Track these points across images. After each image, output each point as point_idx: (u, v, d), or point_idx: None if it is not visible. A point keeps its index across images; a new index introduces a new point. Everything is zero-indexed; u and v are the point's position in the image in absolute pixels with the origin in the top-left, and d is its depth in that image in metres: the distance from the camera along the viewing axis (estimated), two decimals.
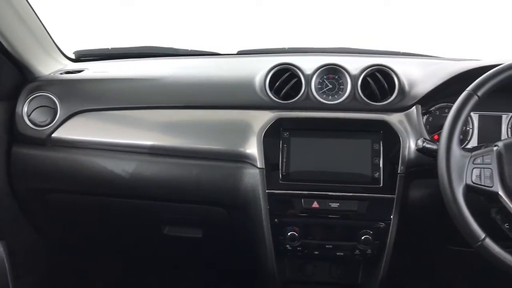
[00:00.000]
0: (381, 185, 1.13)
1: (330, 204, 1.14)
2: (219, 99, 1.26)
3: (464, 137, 1.24)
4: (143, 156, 1.24)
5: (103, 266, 1.83)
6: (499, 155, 0.97)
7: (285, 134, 1.16)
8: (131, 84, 1.31)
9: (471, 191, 0.96)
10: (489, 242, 0.93)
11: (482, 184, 0.96)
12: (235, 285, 1.79)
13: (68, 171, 1.28)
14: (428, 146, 1.07)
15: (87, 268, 1.78)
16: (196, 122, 1.24)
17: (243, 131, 1.19)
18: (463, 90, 1.01)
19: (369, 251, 1.16)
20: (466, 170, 0.96)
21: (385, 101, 1.19)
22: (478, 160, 0.97)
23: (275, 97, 1.21)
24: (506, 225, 0.97)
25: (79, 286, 1.76)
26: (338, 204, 1.14)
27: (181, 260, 1.74)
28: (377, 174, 1.13)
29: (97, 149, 1.26)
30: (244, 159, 1.18)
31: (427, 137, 1.16)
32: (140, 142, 1.24)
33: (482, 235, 0.94)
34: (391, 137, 1.14)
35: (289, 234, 1.15)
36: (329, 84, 1.23)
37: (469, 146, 1.25)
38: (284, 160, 1.15)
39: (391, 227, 1.14)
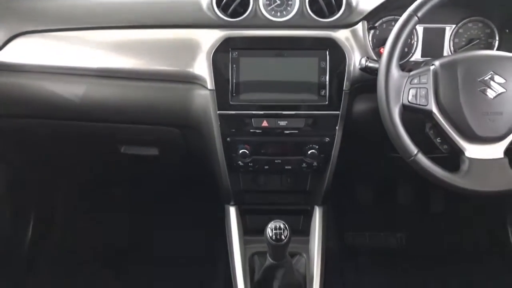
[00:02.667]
0: (327, 102, 1.18)
1: (278, 122, 1.18)
2: (165, 18, 1.23)
3: (409, 50, 1.28)
4: (91, 79, 1.23)
5: (64, 185, 1.89)
6: (435, 75, 1.02)
7: (234, 54, 1.16)
8: (71, 3, 1.26)
9: (407, 110, 1.02)
10: (420, 156, 1.02)
11: (418, 103, 1.02)
12: (193, 195, 1.90)
13: (17, 96, 1.27)
14: (371, 65, 1.11)
15: (49, 189, 1.84)
16: (143, 43, 1.22)
17: (191, 51, 1.19)
18: (410, 4, 1.03)
19: (315, 164, 1.24)
20: (403, 90, 1.01)
21: (332, 17, 1.20)
22: (415, 80, 1.02)
23: (222, 14, 1.19)
24: (438, 140, 1.06)
25: (40, 205, 1.83)
26: (286, 122, 1.18)
27: (139, 176, 1.81)
28: (323, 91, 1.17)
29: (44, 72, 1.24)
30: (194, 80, 1.19)
31: (372, 54, 1.19)
32: (87, 65, 1.22)
33: (414, 150, 1.02)
34: (337, 54, 1.16)
35: (240, 151, 1.21)
36: (277, 0, 1.21)
37: (413, 59, 1.29)
38: (234, 80, 1.16)
39: (335, 141, 1.21)
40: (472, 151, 1.02)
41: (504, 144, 1.02)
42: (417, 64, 1.16)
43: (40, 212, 1.85)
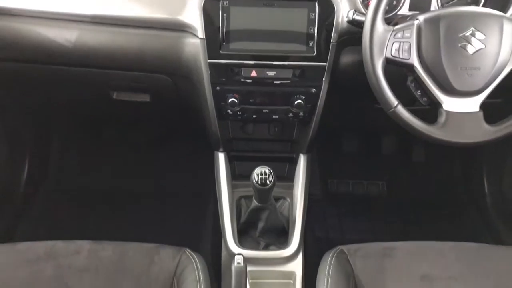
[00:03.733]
0: (315, 53, 1.21)
1: (267, 72, 1.22)
2: None
3: (397, 3, 1.30)
4: (84, 25, 1.25)
5: (58, 128, 1.93)
6: (418, 29, 1.05)
7: (225, 3, 1.18)
8: None
9: (390, 63, 1.06)
10: (400, 108, 1.07)
11: (400, 57, 1.05)
12: (184, 141, 1.95)
13: (9, 40, 1.28)
14: (357, 18, 1.14)
15: (44, 131, 1.88)
16: None
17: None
18: None
19: (301, 114, 1.29)
20: (387, 44, 1.05)
21: None
22: (399, 35, 1.05)
23: None
24: (418, 92, 1.11)
25: (36, 147, 1.88)
26: (274, 72, 1.22)
27: (132, 121, 1.85)
28: (311, 43, 1.20)
29: (37, 17, 1.25)
30: (185, 29, 1.21)
31: (360, 7, 1.21)
32: (79, 11, 1.23)
33: (395, 102, 1.07)
34: (326, 6, 1.18)
35: (229, 100, 1.24)
36: None
37: (400, 12, 1.31)
38: (224, 29, 1.18)
39: (321, 92, 1.25)
40: (450, 104, 1.07)
41: (480, 98, 1.07)
42: (404, 18, 1.18)
43: (36, 154, 1.90)
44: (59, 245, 1.10)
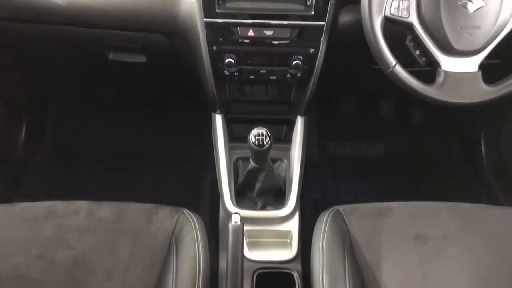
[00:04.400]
0: (313, 13, 1.18)
1: (264, 32, 1.20)
2: None
3: None
4: None
5: (54, 88, 1.91)
6: None
7: None
8: None
9: (389, 22, 1.05)
10: (398, 68, 1.06)
11: (399, 15, 1.04)
12: (182, 103, 1.94)
13: None
14: None
15: (40, 92, 1.86)
16: None
17: None
18: None
19: (299, 74, 1.28)
20: (386, 2, 1.03)
21: None
22: None
23: None
24: (417, 52, 1.09)
25: (32, 108, 1.87)
26: (272, 32, 1.20)
27: (129, 82, 1.84)
28: (310, 1, 1.17)
29: None
30: None
31: None
32: None
33: (393, 62, 1.05)
34: None
35: (226, 61, 1.23)
36: None
37: None
38: None
39: (319, 52, 1.24)
40: (448, 64, 1.06)
41: (479, 58, 1.06)
42: None
43: (33, 116, 1.90)
44: (58, 205, 1.11)
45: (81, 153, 1.91)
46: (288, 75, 1.28)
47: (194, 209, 1.15)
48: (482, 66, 1.07)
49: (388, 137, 2.02)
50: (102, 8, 1.24)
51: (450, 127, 2.03)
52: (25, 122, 1.86)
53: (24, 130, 1.85)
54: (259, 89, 1.42)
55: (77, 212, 1.09)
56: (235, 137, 1.45)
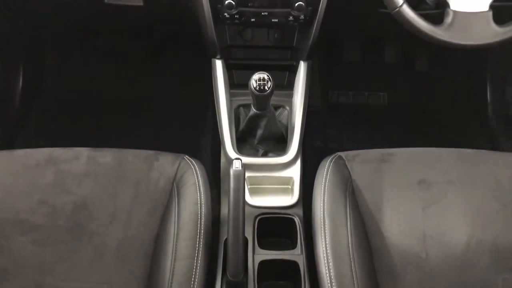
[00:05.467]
0: None
1: None
2: None
3: None
4: None
5: (50, 37, 1.87)
6: None
7: None
8: None
9: None
10: (405, 8, 1.02)
11: None
12: (181, 48, 1.90)
13: None
14: None
15: (36, 40, 1.82)
16: None
17: None
18: None
19: (302, 17, 1.23)
20: None
21: None
22: None
23: None
24: None
25: (29, 57, 1.84)
26: None
27: (126, 30, 1.78)
28: None
29: None
30: None
31: None
32: None
33: (400, 1, 1.01)
34: None
35: (226, 2, 1.18)
36: None
37: None
38: None
39: None
40: (457, 3, 1.01)
41: None
42: None
43: (30, 64, 1.86)
44: (58, 151, 1.10)
45: (80, 103, 1.88)
46: (291, 18, 1.24)
47: (195, 156, 1.14)
48: (493, 7, 1.03)
49: (392, 85, 1.98)
50: None
51: (455, 75, 1.99)
52: (22, 70, 1.83)
53: (21, 80, 1.82)
54: (261, 33, 1.38)
55: (77, 158, 1.09)
56: (236, 84, 1.42)
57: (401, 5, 1.01)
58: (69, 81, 1.96)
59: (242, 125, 1.32)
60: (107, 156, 1.10)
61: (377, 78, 1.99)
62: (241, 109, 1.36)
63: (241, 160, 0.93)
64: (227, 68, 1.40)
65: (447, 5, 1.02)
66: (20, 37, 1.80)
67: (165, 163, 1.09)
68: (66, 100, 1.90)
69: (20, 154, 1.11)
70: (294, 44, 1.39)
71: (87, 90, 1.92)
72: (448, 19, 1.02)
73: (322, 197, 1.03)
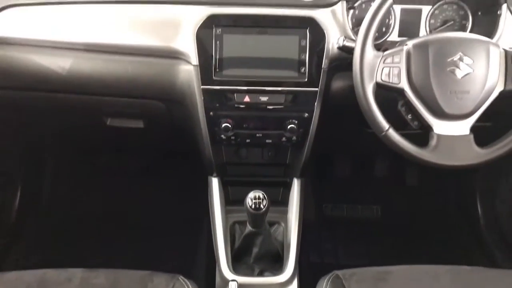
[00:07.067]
0: (306, 79, 1.22)
1: (260, 97, 1.23)
2: None
3: (386, 30, 1.33)
4: (78, 52, 1.26)
5: (51, 155, 1.92)
6: (408, 54, 1.08)
7: (218, 31, 1.20)
8: None
9: (380, 88, 1.08)
10: (391, 132, 1.08)
11: (390, 81, 1.07)
12: (178, 167, 1.95)
13: (5, 69, 1.29)
14: (348, 44, 1.16)
15: (36, 158, 1.87)
16: (129, 18, 1.24)
17: (176, 27, 1.22)
18: None
19: (294, 138, 1.30)
20: (377, 69, 1.07)
21: None
22: (389, 60, 1.07)
23: None
24: (409, 116, 1.12)
25: (28, 174, 1.87)
26: (267, 97, 1.23)
27: (126, 148, 1.85)
28: (303, 69, 1.22)
29: (33, 45, 1.26)
30: (178, 56, 1.23)
31: (350, 33, 1.23)
32: (73, 39, 1.25)
33: (386, 126, 1.08)
34: (317, 33, 1.21)
35: (223, 125, 1.25)
36: None
37: (390, 38, 1.34)
38: (217, 57, 1.20)
39: (314, 117, 1.27)
40: (440, 127, 1.08)
41: (470, 121, 1.09)
42: (393, 44, 1.21)
43: (28, 181, 1.89)
44: (50, 273, 1.08)
45: (76, 219, 1.88)
46: (284, 138, 1.30)
47: (189, 274, 1.13)
48: (473, 129, 1.10)
49: (384, 198, 2.02)
50: (102, 77, 1.28)
51: (445, 188, 2.04)
52: (19, 187, 1.85)
53: (18, 196, 1.84)
54: (255, 152, 1.43)
55: (70, 280, 1.06)
56: (232, 200, 1.44)
57: (387, 130, 1.08)
58: (65, 197, 1.98)
59: (237, 243, 1.32)
60: (100, 277, 1.08)
61: (370, 192, 2.04)
62: (237, 226, 1.37)
63: (237, 282, 0.92)
64: (223, 185, 1.44)
65: (430, 128, 1.09)
66: (21, 151, 1.85)
67: (159, 285, 1.07)
68: (61, 217, 1.90)
69: (11, 277, 1.09)
70: (287, 162, 1.44)
71: (83, 205, 1.94)
72: (433, 142, 1.08)
73: None
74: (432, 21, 1.33)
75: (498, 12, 1.24)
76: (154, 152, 2.01)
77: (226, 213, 1.39)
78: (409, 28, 1.33)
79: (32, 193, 1.91)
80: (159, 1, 1.25)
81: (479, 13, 1.31)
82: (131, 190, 1.99)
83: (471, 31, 1.32)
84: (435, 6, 1.32)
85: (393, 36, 1.34)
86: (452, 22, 1.32)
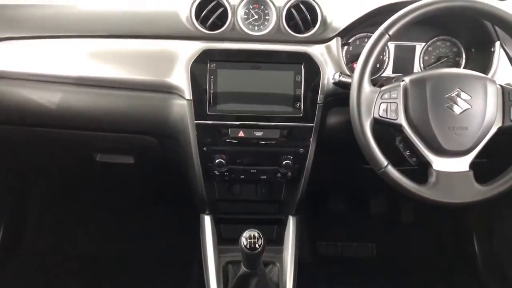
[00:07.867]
0: (302, 114, 1.21)
1: (254, 133, 1.21)
2: (144, 28, 1.24)
3: (381, 66, 1.33)
4: (69, 86, 1.24)
5: (37, 191, 1.86)
6: (405, 90, 1.07)
7: (212, 66, 1.18)
8: (53, 11, 1.27)
9: (378, 123, 1.06)
10: (390, 168, 1.06)
11: (388, 117, 1.06)
12: (168, 203, 1.90)
13: None
14: (344, 79, 1.15)
15: (22, 194, 1.81)
16: (122, 52, 1.23)
17: (170, 62, 1.21)
18: (381, 22, 1.07)
19: (289, 174, 1.27)
20: (374, 104, 1.05)
21: (308, 32, 1.23)
22: (386, 95, 1.06)
23: (201, 27, 1.22)
24: (407, 152, 1.10)
25: (12, 211, 1.81)
26: (262, 133, 1.21)
27: (115, 184, 1.80)
28: (298, 104, 1.20)
29: (22, 79, 1.24)
30: (172, 90, 1.21)
31: (345, 69, 1.23)
32: (65, 73, 1.22)
33: (384, 162, 1.05)
34: (312, 69, 1.20)
35: (216, 161, 1.22)
36: (255, 15, 1.24)
37: (384, 74, 1.34)
38: (211, 91, 1.18)
39: (309, 152, 1.25)
40: (439, 164, 1.06)
41: (469, 157, 1.07)
42: (388, 80, 1.20)
43: (12, 218, 1.82)
44: None
45: (62, 257, 1.81)
46: (279, 174, 1.27)
47: None
48: (473, 165, 1.07)
49: (379, 235, 1.98)
50: (92, 112, 1.25)
51: (442, 225, 2.00)
52: (2, 225, 1.78)
53: (1, 233, 1.77)
54: (249, 188, 1.40)
55: None
56: (225, 239, 1.40)
57: (386, 166, 1.05)
58: (50, 234, 1.91)
59: (231, 284, 1.27)
60: None
61: (365, 229, 2.00)
62: (230, 266, 1.32)
63: None
64: (215, 223, 1.40)
65: (429, 165, 1.07)
66: (5, 190, 1.79)
67: None
68: (46, 254, 1.83)
69: None
70: (282, 199, 1.40)
71: (69, 244, 1.86)
72: (432, 179, 1.06)
73: None
74: (426, 57, 1.33)
75: (492, 49, 1.24)
76: (144, 189, 1.96)
77: (219, 252, 1.33)
78: (403, 65, 1.33)
79: (16, 230, 1.84)
80: (152, 36, 1.24)
81: (472, 50, 1.32)
82: (119, 229, 1.92)
83: (465, 67, 1.33)
84: (428, 43, 1.33)
85: (388, 71, 1.34)
86: (446, 58, 1.33)
